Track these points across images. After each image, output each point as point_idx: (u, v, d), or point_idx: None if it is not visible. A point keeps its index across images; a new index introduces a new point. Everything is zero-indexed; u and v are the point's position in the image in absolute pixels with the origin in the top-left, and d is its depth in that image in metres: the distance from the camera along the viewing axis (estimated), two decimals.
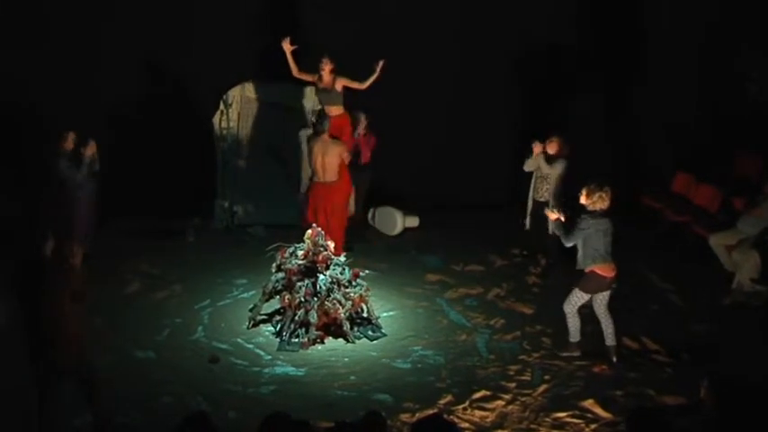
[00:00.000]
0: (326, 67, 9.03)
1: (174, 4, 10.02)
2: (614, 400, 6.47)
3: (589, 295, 6.95)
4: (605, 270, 6.84)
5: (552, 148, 8.75)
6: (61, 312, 5.52)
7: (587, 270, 6.88)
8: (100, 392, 5.81)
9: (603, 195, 6.78)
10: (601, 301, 6.97)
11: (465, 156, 10.73)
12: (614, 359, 7.05)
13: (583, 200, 6.84)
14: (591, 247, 6.78)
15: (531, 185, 8.94)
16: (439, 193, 10.53)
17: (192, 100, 10.29)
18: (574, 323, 7.07)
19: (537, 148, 8.75)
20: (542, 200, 8.79)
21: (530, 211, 9.00)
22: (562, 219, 6.98)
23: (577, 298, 6.98)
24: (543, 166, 8.74)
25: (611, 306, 7.04)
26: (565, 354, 7.17)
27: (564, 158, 8.74)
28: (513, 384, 6.77)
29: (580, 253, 6.85)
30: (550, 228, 8.63)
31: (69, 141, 8.62)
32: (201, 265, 9.00)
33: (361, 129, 9.46)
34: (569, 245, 6.91)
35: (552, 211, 7.10)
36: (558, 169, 8.72)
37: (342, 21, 10.17)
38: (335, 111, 9.06)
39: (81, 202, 8.63)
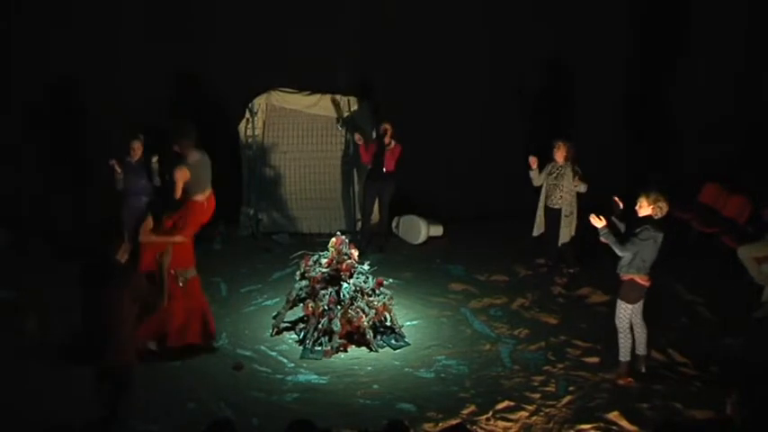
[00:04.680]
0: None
1: (201, 11, 10.10)
2: (640, 413, 6.39)
3: (633, 305, 6.84)
4: (644, 279, 6.76)
5: (560, 156, 8.65)
6: (121, 317, 5.64)
7: (627, 278, 6.76)
8: (129, 399, 5.84)
9: (665, 201, 6.68)
10: (638, 309, 6.87)
11: (490, 165, 10.68)
12: (643, 369, 6.96)
13: (646, 210, 6.68)
14: (640, 258, 6.67)
15: (543, 193, 8.88)
16: (463, 202, 10.50)
17: (217, 108, 10.36)
18: (626, 340, 6.89)
19: (533, 163, 8.72)
20: (556, 207, 8.75)
21: (539, 218, 8.93)
22: (605, 223, 6.76)
23: (624, 310, 6.85)
24: (571, 191, 8.68)
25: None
26: (614, 377, 6.91)
27: (573, 162, 8.65)
28: (538, 395, 6.72)
29: (625, 260, 6.72)
30: (566, 234, 8.68)
31: (137, 149, 8.54)
32: (226, 273, 9.05)
33: (386, 138, 9.44)
34: (623, 254, 6.70)
35: (600, 218, 6.80)
36: (572, 175, 8.63)
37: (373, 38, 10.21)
38: None
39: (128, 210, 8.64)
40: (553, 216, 8.81)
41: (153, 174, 8.58)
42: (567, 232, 8.74)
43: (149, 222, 6.88)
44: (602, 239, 6.78)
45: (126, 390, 5.81)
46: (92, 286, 5.68)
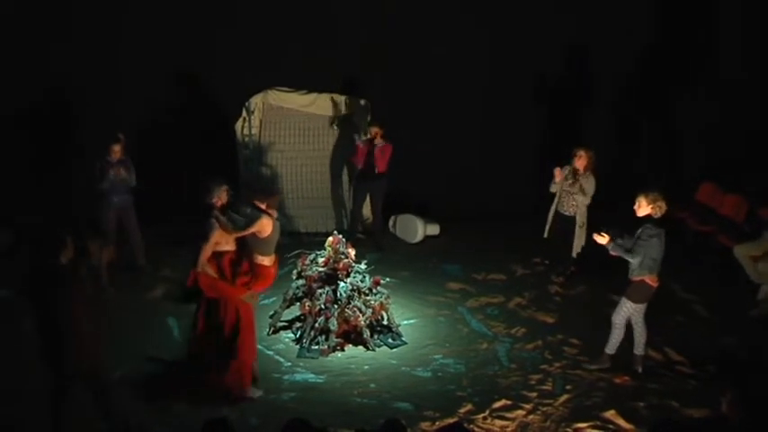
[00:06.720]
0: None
1: (199, 11, 10.09)
2: (637, 412, 6.41)
3: (637, 305, 6.85)
4: (654, 280, 6.76)
5: (581, 164, 8.45)
6: (75, 319, 5.48)
7: (637, 279, 6.76)
8: (113, 400, 5.76)
9: (664, 200, 6.67)
10: (640, 310, 6.89)
11: (488, 165, 10.69)
12: (639, 369, 6.98)
13: (645, 210, 6.67)
14: (649, 257, 6.67)
15: (556, 198, 8.75)
16: (460, 201, 10.50)
17: (214, 107, 10.36)
18: (618, 336, 6.95)
19: (558, 176, 8.47)
20: (568, 214, 8.63)
21: (550, 222, 8.88)
22: (608, 238, 6.77)
23: (627, 309, 6.87)
24: (580, 202, 8.49)
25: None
26: (594, 366, 7.05)
27: (592, 172, 8.49)
28: (535, 394, 6.73)
29: (635, 264, 6.72)
30: (579, 245, 8.62)
31: (117, 150, 8.55)
32: None
33: (375, 139, 9.41)
34: (634, 260, 6.70)
35: (602, 235, 6.81)
36: (589, 188, 8.46)
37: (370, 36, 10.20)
38: None
39: (111, 208, 8.64)
40: (564, 222, 8.65)
41: (132, 171, 8.65)
42: (579, 243, 8.65)
43: (208, 252, 6.53)
44: (612, 253, 6.81)
45: (106, 396, 5.71)
46: (40, 290, 5.48)
